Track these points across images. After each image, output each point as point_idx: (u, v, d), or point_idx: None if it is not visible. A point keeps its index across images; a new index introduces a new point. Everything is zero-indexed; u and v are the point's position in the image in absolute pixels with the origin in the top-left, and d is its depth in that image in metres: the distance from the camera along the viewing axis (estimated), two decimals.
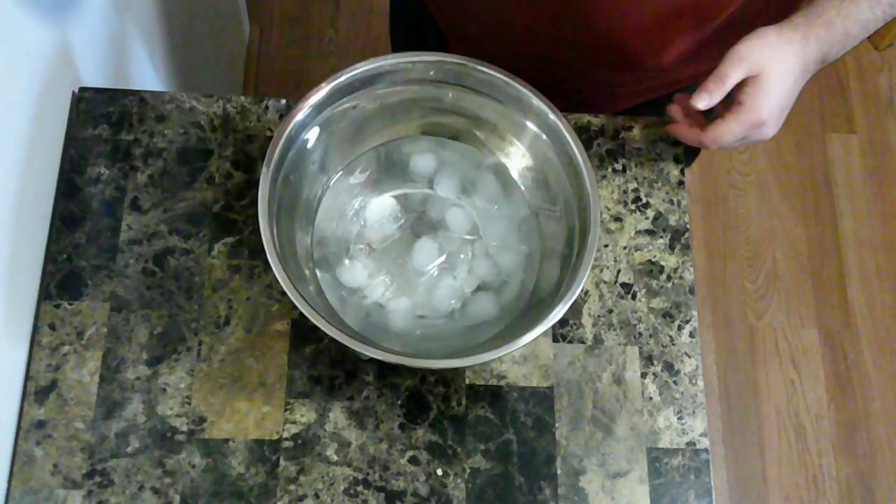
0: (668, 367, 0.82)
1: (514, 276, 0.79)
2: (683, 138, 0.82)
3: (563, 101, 0.78)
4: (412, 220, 0.81)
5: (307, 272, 0.76)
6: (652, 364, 0.82)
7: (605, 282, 0.84)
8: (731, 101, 0.78)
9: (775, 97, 0.76)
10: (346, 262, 0.78)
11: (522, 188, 0.81)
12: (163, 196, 0.83)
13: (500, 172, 0.82)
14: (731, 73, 0.75)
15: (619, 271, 0.85)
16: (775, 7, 0.81)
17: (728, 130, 0.77)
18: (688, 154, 0.92)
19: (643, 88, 0.98)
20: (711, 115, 0.81)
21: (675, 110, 0.83)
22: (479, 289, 0.79)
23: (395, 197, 0.82)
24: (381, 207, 0.81)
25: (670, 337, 0.83)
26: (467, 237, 0.80)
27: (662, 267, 0.85)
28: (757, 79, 0.75)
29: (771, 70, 0.75)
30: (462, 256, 0.80)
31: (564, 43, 0.90)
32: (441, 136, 0.83)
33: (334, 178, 0.81)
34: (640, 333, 0.83)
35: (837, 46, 0.77)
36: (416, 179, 0.82)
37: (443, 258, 0.79)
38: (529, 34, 0.90)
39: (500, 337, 0.74)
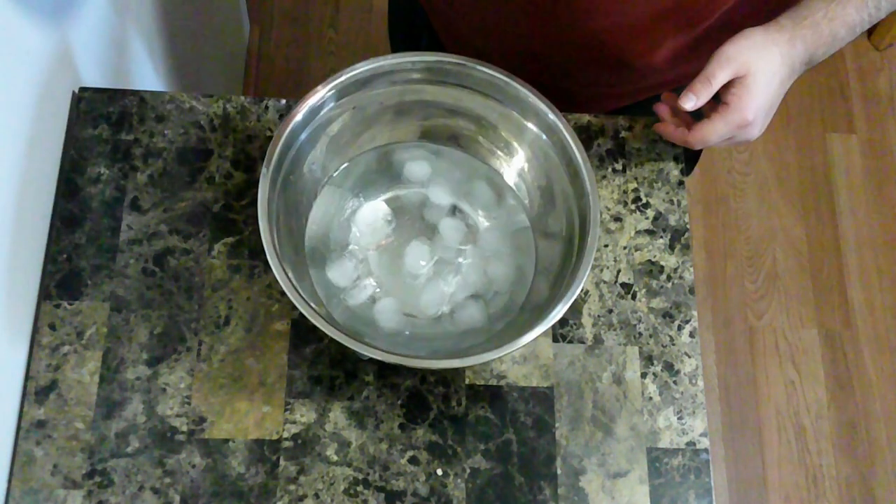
0: (668, 367, 0.82)
1: (503, 288, 0.79)
2: (670, 137, 0.82)
3: (556, 99, 0.78)
4: (406, 225, 0.81)
5: (304, 271, 0.76)
6: (652, 364, 0.82)
7: (605, 282, 0.84)
8: (717, 101, 0.78)
9: (761, 98, 0.76)
10: (336, 261, 0.78)
11: (522, 198, 0.81)
12: (163, 196, 0.83)
13: (495, 182, 0.82)
14: (718, 73, 0.75)
15: (619, 271, 0.85)
16: (766, 8, 0.81)
17: (714, 130, 0.77)
18: (687, 161, 0.92)
19: (637, 88, 0.98)
20: (698, 115, 0.81)
21: (662, 109, 0.83)
22: (469, 297, 0.79)
23: (390, 201, 0.82)
24: (375, 211, 0.81)
25: (670, 337, 0.83)
26: (460, 246, 0.80)
27: (662, 267, 0.85)
28: (744, 80, 0.75)
29: (757, 71, 0.75)
30: (455, 263, 0.80)
31: (556, 43, 0.90)
32: (441, 137, 0.83)
33: (333, 178, 0.81)
34: (640, 333, 0.83)
35: (824, 48, 0.78)
36: (411, 186, 0.82)
37: (434, 259, 0.79)
38: (521, 34, 0.90)
39: (489, 344, 0.74)
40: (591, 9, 0.82)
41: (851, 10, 0.77)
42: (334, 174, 0.81)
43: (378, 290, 0.78)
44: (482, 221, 0.82)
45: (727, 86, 0.76)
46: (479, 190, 0.82)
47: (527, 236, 0.80)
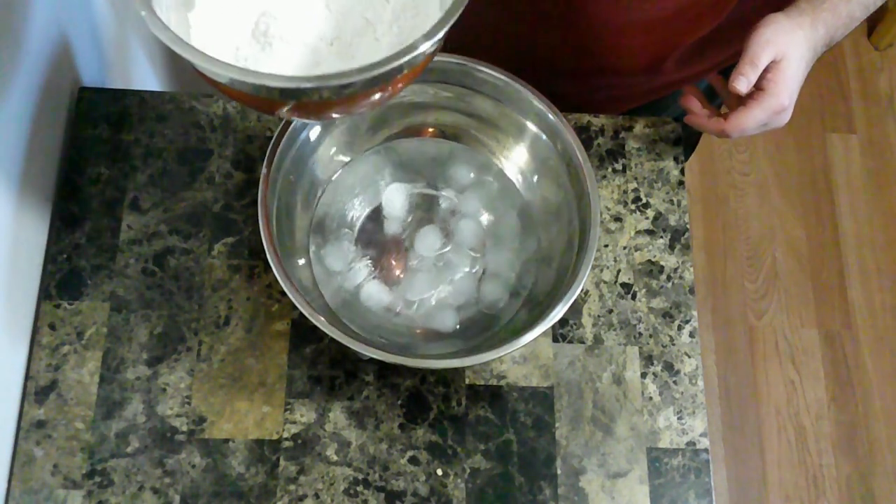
0: (668, 367, 0.82)
1: (490, 309, 0.79)
2: (704, 128, 0.81)
3: (556, 101, 0.78)
4: (419, 217, 0.81)
5: (301, 259, 0.76)
6: (652, 364, 0.82)
7: (605, 282, 0.84)
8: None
9: (793, 82, 0.76)
10: (333, 245, 0.79)
11: (539, 232, 0.82)
12: (163, 196, 0.83)
13: (526, 213, 0.82)
14: (761, 55, 0.74)
15: (619, 271, 0.85)
16: (774, 3, 0.81)
17: (752, 117, 0.76)
18: (686, 148, 0.92)
19: (642, 90, 0.98)
20: (718, 104, 0.80)
21: (692, 101, 0.82)
22: (451, 304, 0.79)
23: (413, 194, 0.82)
24: (394, 197, 0.81)
25: (670, 337, 0.83)
26: (470, 251, 0.80)
27: (662, 267, 0.85)
28: (779, 64, 0.75)
29: (791, 55, 0.75)
30: (456, 268, 0.79)
31: (566, 52, 0.89)
32: (443, 136, 0.83)
33: (336, 176, 0.81)
34: (640, 333, 0.83)
35: (842, 29, 0.78)
36: (449, 187, 0.82)
37: (444, 250, 0.79)
38: (522, 38, 0.90)
39: (488, 344, 0.74)
40: (597, 13, 0.82)
41: None
42: (338, 173, 0.81)
43: (373, 272, 0.78)
44: (498, 239, 0.81)
45: (762, 71, 0.76)
46: (509, 214, 0.82)
47: (530, 267, 0.80)
